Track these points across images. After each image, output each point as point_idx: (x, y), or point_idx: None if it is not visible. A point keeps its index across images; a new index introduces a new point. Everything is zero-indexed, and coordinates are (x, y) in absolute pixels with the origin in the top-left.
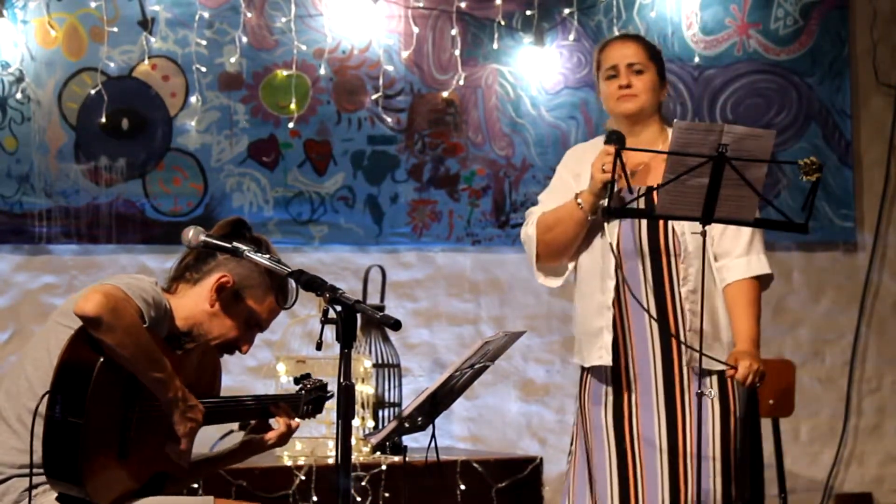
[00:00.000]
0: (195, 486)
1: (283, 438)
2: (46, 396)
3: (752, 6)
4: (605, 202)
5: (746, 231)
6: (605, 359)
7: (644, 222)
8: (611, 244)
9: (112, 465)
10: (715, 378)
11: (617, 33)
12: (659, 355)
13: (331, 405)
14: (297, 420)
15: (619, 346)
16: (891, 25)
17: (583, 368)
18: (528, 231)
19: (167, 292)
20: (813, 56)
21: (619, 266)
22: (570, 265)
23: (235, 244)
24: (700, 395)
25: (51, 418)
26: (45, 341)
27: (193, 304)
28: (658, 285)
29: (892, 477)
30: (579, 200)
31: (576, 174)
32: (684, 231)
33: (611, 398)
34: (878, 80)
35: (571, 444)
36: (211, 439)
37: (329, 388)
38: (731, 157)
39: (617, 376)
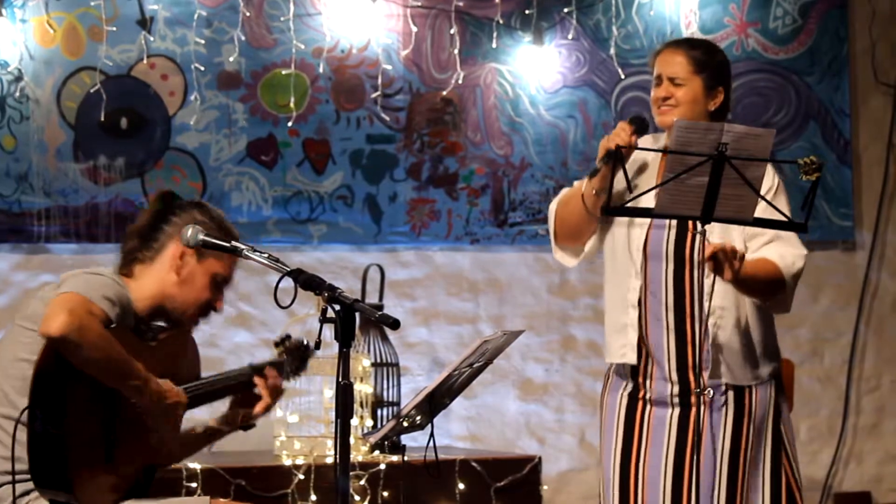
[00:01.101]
0: (193, 485)
1: (270, 407)
2: (26, 411)
3: (751, 5)
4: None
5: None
6: (629, 357)
7: (673, 229)
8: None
9: (100, 469)
10: (731, 393)
11: (678, 37)
12: (674, 363)
13: (329, 405)
14: (282, 383)
15: (642, 346)
16: (890, 24)
17: (609, 365)
18: (552, 206)
19: (126, 278)
20: (812, 55)
21: (644, 267)
22: (586, 247)
23: (234, 244)
24: (699, 395)
25: (33, 432)
26: (11, 347)
27: (157, 280)
28: (679, 293)
29: (890, 476)
30: (588, 174)
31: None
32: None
33: (626, 400)
34: (877, 80)
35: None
36: None
37: (308, 343)
38: (730, 156)
39: (635, 375)
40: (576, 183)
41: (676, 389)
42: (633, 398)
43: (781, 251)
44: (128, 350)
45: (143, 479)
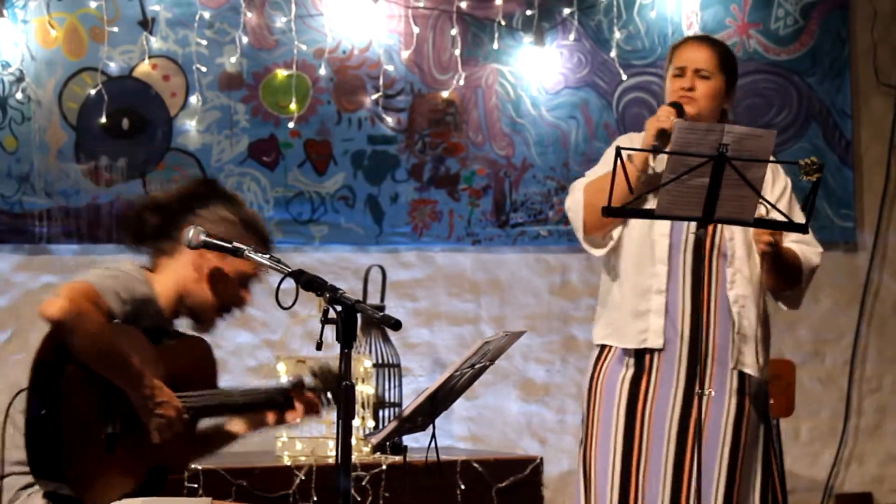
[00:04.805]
0: (195, 486)
1: (298, 419)
2: (22, 394)
3: (753, 6)
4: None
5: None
6: (653, 342)
7: None
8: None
9: (97, 459)
10: (736, 381)
11: (696, 33)
12: (686, 351)
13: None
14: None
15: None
16: (891, 25)
17: (601, 349)
18: (576, 196)
19: (151, 272)
20: (813, 56)
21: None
22: (615, 234)
23: (235, 244)
24: (700, 396)
25: (29, 417)
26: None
27: (178, 275)
28: (696, 280)
29: (892, 477)
30: (629, 157)
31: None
32: (733, 235)
33: (627, 384)
34: (879, 80)
35: (587, 432)
36: None
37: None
38: (731, 156)
39: (641, 361)
40: (595, 171)
41: (683, 375)
42: (634, 384)
43: (801, 245)
44: (131, 348)
45: (153, 482)
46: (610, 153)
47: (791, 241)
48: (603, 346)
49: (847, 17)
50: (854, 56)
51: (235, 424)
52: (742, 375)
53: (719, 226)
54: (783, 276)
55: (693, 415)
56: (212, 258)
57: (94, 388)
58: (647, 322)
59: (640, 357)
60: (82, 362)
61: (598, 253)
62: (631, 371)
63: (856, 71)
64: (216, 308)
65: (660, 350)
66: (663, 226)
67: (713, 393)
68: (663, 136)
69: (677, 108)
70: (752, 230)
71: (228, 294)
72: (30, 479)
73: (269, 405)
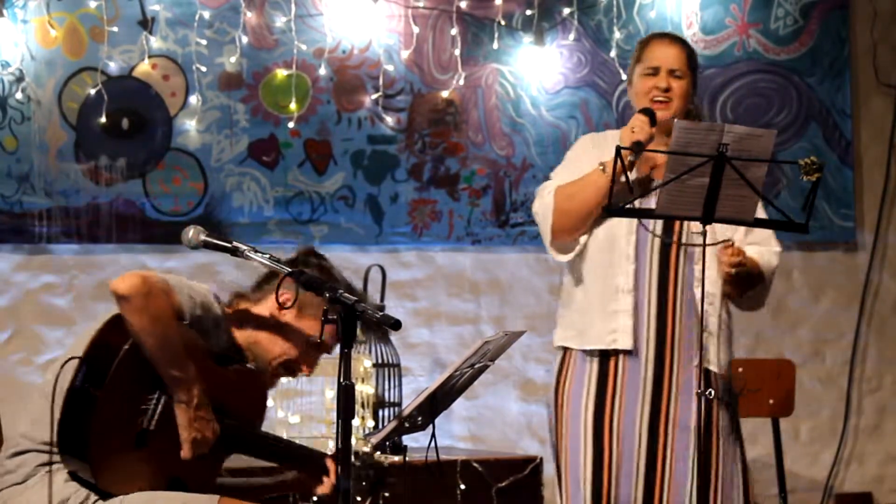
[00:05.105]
0: None
1: (327, 492)
2: (73, 362)
3: (753, 6)
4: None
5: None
6: (622, 342)
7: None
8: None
9: (124, 451)
10: (703, 380)
11: (667, 30)
12: (653, 351)
13: (331, 405)
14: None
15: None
16: (891, 25)
17: (564, 352)
18: (546, 200)
19: (228, 307)
20: (813, 56)
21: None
22: (582, 240)
23: (235, 244)
24: (700, 396)
25: (72, 386)
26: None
27: (254, 319)
28: (663, 279)
29: (892, 477)
30: (602, 166)
31: (597, 160)
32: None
33: (594, 387)
34: (879, 80)
35: (557, 436)
36: None
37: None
38: (731, 156)
39: (606, 362)
40: (559, 174)
41: (651, 376)
42: (601, 386)
43: (759, 248)
44: (190, 354)
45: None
46: (580, 155)
47: (748, 243)
48: (565, 349)
49: (847, 17)
50: (854, 56)
51: (261, 480)
52: (708, 373)
53: (684, 224)
54: (746, 286)
55: (662, 415)
56: (288, 316)
57: (142, 378)
58: (616, 322)
59: (605, 358)
60: (140, 342)
61: (565, 258)
62: (595, 373)
63: (856, 71)
64: (280, 365)
65: (626, 351)
66: (630, 224)
67: (711, 392)
68: (639, 146)
69: (650, 115)
70: (718, 246)
71: (293, 354)
72: (47, 458)
73: (302, 464)
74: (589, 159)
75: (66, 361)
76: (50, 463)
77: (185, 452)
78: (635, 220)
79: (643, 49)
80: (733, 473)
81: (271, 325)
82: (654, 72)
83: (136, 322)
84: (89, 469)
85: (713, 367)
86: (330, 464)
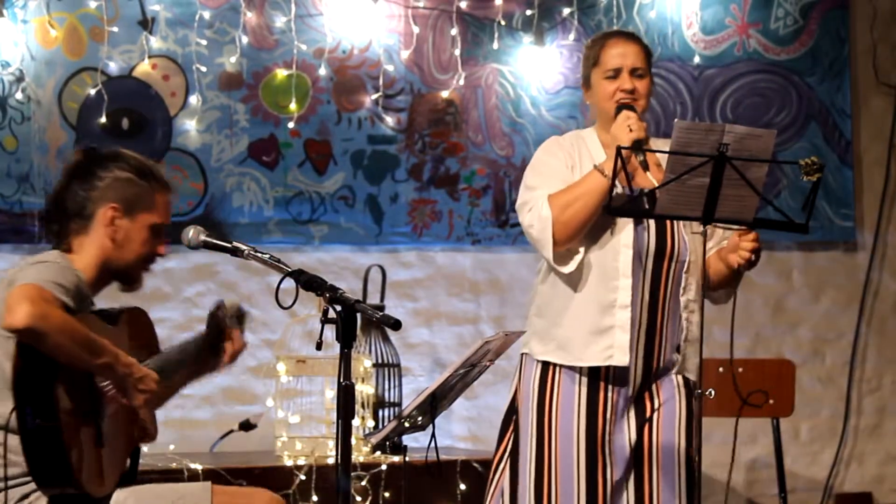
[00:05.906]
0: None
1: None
2: (14, 413)
3: (753, 6)
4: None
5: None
6: (618, 359)
7: (653, 226)
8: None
9: (94, 455)
10: (681, 379)
11: (614, 29)
12: (641, 364)
13: (331, 405)
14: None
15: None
16: (891, 25)
17: (545, 366)
18: (542, 213)
19: (68, 253)
20: (813, 56)
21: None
22: (581, 249)
23: (235, 244)
24: (700, 396)
25: (25, 430)
26: None
27: (96, 248)
28: (654, 290)
29: (892, 476)
30: (601, 168)
31: (570, 165)
32: (688, 244)
33: (584, 401)
34: (879, 80)
35: (507, 442)
36: (211, 440)
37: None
38: (731, 156)
39: (596, 378)
40: (540, 186)
41: (638, 384)
42: (592, 403)
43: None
44: (99, 336)
45: (130, 464)
46: (552, 162)
47: (724, 238)
48: (546, 363)
49: (847, 17)
50: (854, 56)
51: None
52: (686, 380)
53: (677, 234)
54: (727, 284)
55: (647, 426)
56: (123, 223)
57: (78, 386)
58: (612, 338)
59: (595, 373)
60: (62, 361)
61: (568, 269)
62: (585, 391)
63: (855, 71)
64: (140, 265)
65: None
66: (627, 235)
67: (712, 393)
68: (640, 144)
69: (633, 111)
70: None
71: (146, 249)
72: (28, 488)
73: (205, 349)
74: (558, 163)
75: (11, 412)
76: (27, 495)
77: (144, 413)
78: (630, 234)
79: (600, 50)
80: (672, 475)
81: (114, 240)
82: (616, 74)
83: (47, 343)
84: (79, 486)
85: (690, 375)
86: (218, 322)
